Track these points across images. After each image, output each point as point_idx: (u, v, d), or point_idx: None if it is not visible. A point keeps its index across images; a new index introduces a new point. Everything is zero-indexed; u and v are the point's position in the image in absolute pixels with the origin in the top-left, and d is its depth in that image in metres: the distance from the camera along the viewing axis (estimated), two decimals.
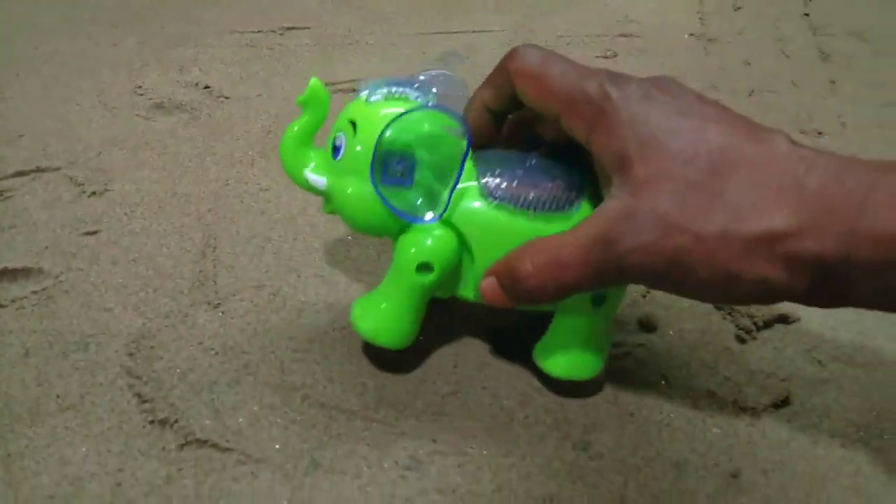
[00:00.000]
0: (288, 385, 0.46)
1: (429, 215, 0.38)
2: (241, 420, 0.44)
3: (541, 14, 0.86)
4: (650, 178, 0.34)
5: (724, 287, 0.34)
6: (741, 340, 0.50)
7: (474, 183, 0.39)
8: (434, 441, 0.43)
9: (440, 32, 0.81)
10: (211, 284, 0.52)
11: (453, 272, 0.40)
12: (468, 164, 0.39)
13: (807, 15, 0.92)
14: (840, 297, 0.34)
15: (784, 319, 0.52)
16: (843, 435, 0.45)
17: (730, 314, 0.52)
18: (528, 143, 0.44)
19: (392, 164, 0.38)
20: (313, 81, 0.42)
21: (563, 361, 0.43)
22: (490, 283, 0.39)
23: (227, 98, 0.69)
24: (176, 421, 0.44)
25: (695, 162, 0.34)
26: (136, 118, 0.67)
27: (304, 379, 0.46)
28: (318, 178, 0.42)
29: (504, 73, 0.39)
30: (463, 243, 0.39)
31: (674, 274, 0.34)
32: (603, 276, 0.36)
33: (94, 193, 0.59)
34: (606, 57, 0.79)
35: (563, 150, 0.42)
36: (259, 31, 0.80)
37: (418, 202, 0.38)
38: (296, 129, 0.42)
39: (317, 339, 0.48)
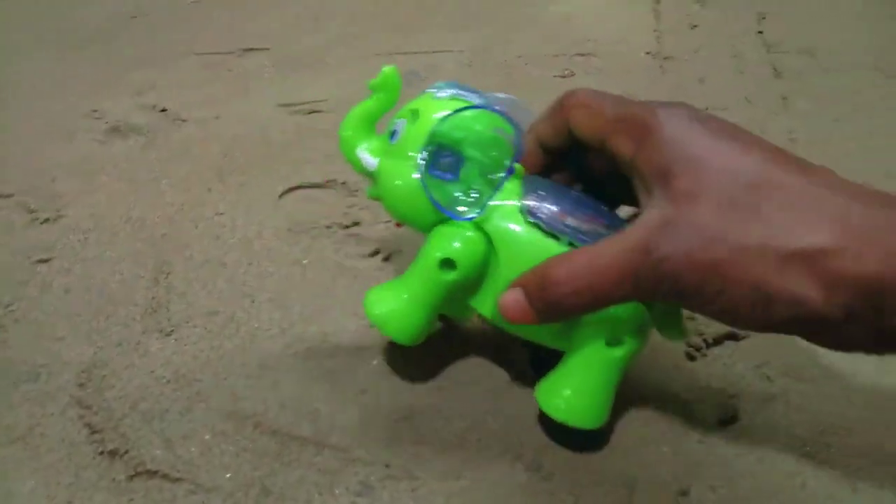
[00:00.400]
0: (240, 413, 0.46)
1: (465, 212, 0.38)
2: (192, 449, 0.44)
3: (500, 34, 0.87)
4: (691, 191, 0.34)
5: (756, 306, 0.34)
6: (691, 358, 0.51)
7: (517, 201, 0.39)
8: (387, 466, 0.43)
9: (400, 53, 0.82)
10: (164, 311, 0.52)
11: (474, 281, 0.40)
12: (515, 181, 0.39)
13: (761, 33, 0.94)
14: (883, 334, 0.33)
15: (734, 336, 0.52)
16: (790, 450, 0.46)
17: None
18: (573, 175, 0.44)
19: (441, 156, 0.38)
20: (388, 68, 0.42)
21: (565, 403, 0.41)
22: (514, 294, 0.37)
23: (184, 121, 0.69)
24: (126, 451, 0.43)
25: (736, 179, 0.34)
26: (92, 142, 0.66)
27: (256, 406, 0.46)
28: (370, 159, 0.42)
29: (559, 108, 0.40)
30: (491, 254, 0.39)
31: (707, 288, 0.34)
32: (639, 285, 0.35)
33: (47, 220, 0.58)
34: (564, 76, 0.80)
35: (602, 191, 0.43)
36: (218, 53, 0.80)
37: (458, 197, 0.38)
38: (360, 108, 0.42)
39: (270, 366, 0.48)
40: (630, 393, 0.48)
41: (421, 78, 0.78)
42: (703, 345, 0.51)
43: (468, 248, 0.38)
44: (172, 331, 0.50)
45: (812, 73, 0.85)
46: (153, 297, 0.53)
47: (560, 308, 0.37)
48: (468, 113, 0.38)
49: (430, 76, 0.79)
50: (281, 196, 0.61)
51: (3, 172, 0.62)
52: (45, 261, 0.55)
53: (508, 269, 0.39)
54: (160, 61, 0.78)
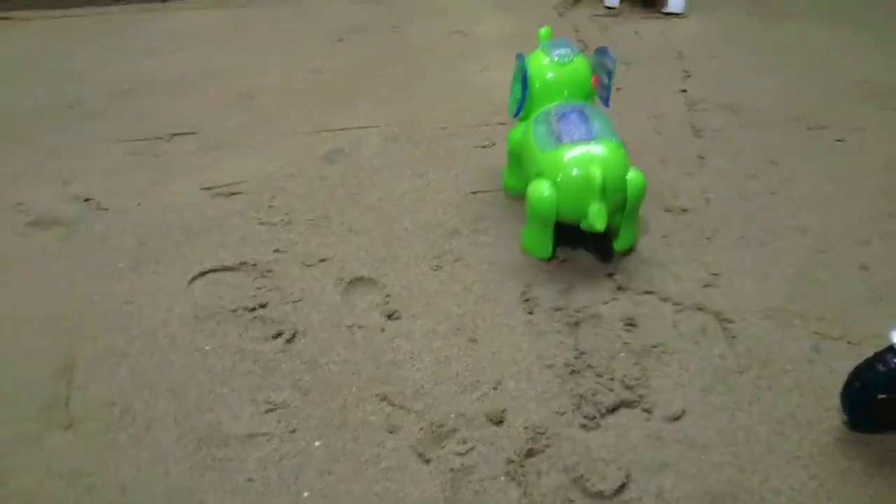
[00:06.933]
0: None
1: (509, 112, 0.75)
2: None
3: (423, 107, 0.89)
4: None
5: None
6: (586, 428, 0.51)
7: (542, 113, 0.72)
8: None
9: (325, 130, 0.84)
10: (64, 406, 0.52)
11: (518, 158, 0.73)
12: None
13: (684, 91, 0.97)
14: None
15: (629, 404, 0.53)
16: None
17: (577, 403, 0.53)
18: None
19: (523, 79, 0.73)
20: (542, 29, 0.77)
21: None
22: None
23: (105, 210, 0.71)
24: None
25: None
26: (12, 236, 0.68)
27: (143, 499, 0.46)
28: None
29: None
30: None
31: None
32: None
33: None
34: (485, 147, 0.82)
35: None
36: (146, 139, 0.82)
37: (512, 104, 0.74)
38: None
39: (161, 457, 0.49)
40: (521, 469, 0.49)
41: (346, 154, 0.80)
42: (598, 414, 0.52)
43: (514, 131, 0.73)
44: (71, 425, 0.51)
45: (731, 130, 0.87)
46: (56, 392, 0.53)
47: None
48: (522, 58, 0.72)
49: (353, 153, 0.81)
50: (191, 281, 0.62)
51: None
52: None
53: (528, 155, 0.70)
54: (89, 149, 0.80)
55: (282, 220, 0.70)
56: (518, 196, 0.69)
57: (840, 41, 1.08)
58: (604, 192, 0.63)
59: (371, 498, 0.47)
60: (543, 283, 0.64)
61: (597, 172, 0.62)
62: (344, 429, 0.51)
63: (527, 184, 0.67)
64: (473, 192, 0.75)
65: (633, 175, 0.66)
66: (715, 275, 0.65)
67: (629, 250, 0.67)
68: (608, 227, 0.64)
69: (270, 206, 0.72)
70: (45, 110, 0.88)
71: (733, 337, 0.58)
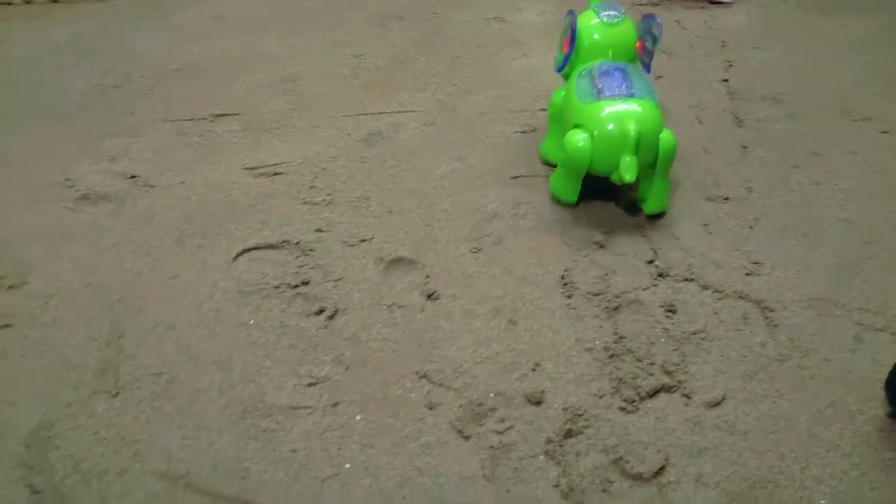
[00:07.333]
0: (173, 473, 0.47)
1: (555, 66, 0.78)
2: None
3: (463, 93, 0.89)
4: None
5: None
6: (625, 411, 0.52)
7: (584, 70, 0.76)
8: None
9: (365, 114, 0.85)
10: (112, 373, 0.54)
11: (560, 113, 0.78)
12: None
13: (726, 81, 0.95)
14: None
15: (668, 388, 0.53)
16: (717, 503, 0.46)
17: (616, 386, 0.53)
18: None
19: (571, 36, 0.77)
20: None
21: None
22: None
23: (151, 186, 0.72)
24: None
25: None
26: (63, 210, 0.69)
27: (188, 467, 0.47)
28: None
29: None
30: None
31: None
32: None
33: (11, 287, 0.61)
34: (525, 132, 0.82)
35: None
36: (191, 119, 0.83)
37: (559, 59, 0.78)
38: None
39: (205, 426, 0.50)
40: (560, 449, 0.49)
41: (384, 138, 0.81)
42: (637, 398, 0.52)
43: (557, 94, 0.77)
44: (118, 392, 0.52)
45: (775, 121, 0.86)
46: (104, 360, 0.55)
47: None
48: (573, 14, 0.76)
49: (391, 136, 0.81)
50: (235, 258, 0.63)
51: None
52: (6, 327, 0.57)
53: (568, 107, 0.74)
54: (136, 128, 0.82)
55: (323, 200, 0.71)
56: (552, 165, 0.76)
57: (888, 33, 1.06)
58: (637, 146, 0.67)
59: (412, 472, 0.47)
60: (583, 268, 0.64)
61: (632, 127, 0.67)
62: (384, 404, 0.52)
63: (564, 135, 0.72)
64: (514, 177, 0.75)
65: (664, 134, 0.70)
66: (756, 263, 0.64)
67: (660, 215, 0.70)
68: (636, 181, 0.68)
69: (312, 187, 0.73)
70: (93, 90, 0.90)
71: (775, 325, 0.58)
